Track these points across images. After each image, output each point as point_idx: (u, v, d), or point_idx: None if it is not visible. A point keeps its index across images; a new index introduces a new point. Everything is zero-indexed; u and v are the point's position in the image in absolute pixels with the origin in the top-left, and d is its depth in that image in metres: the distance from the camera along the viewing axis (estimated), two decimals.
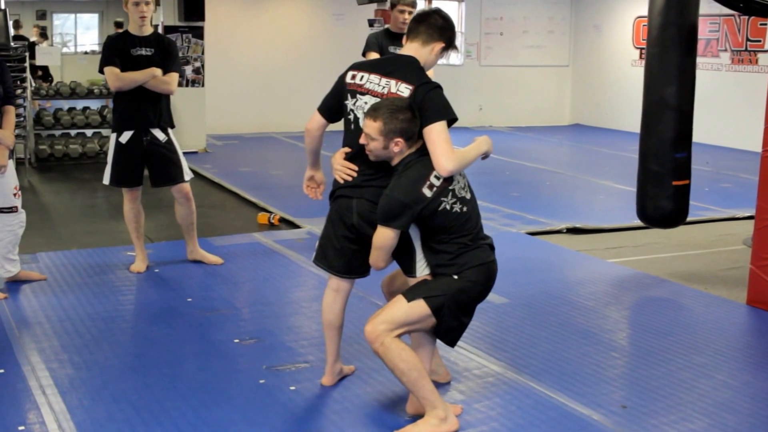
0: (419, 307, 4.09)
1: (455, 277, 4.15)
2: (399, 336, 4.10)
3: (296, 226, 8.50)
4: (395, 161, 4.22)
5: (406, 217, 4.07)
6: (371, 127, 4.14)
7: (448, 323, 4.17)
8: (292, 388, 4.67)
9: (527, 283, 6.68)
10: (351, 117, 4.40)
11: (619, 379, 4.99)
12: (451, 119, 4.21)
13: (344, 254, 4.48)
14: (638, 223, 7.75)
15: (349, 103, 4.40)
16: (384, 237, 4.12)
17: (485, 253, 4.24)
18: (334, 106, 4.50)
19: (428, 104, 4.17)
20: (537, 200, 10.05)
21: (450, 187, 4.15)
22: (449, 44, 4.41)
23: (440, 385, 4.66)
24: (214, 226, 8.49)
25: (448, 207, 4.12)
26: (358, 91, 4.36)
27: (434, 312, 4.11)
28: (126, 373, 4.93)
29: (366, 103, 4.31)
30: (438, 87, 4.28)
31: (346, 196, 4.41)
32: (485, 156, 4.40)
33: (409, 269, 4.34)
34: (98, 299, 6.16)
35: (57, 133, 12.82)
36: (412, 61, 4.34)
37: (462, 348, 5.27)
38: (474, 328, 5.64)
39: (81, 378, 4.81)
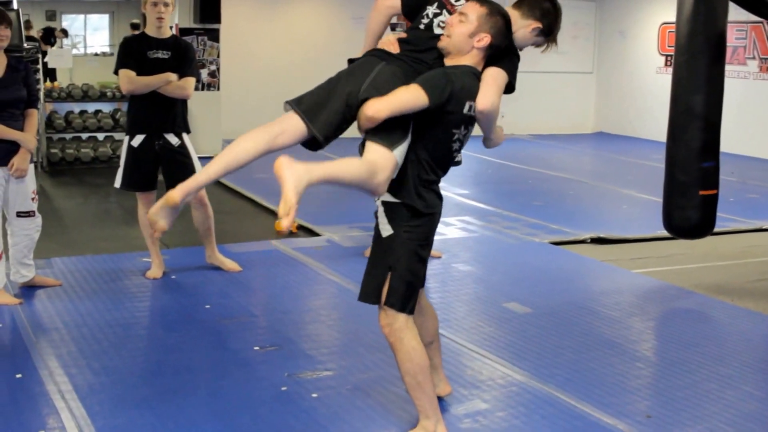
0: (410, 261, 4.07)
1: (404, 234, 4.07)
2: (410, 312, 4.13)
3: (315, 234, 8.61)
4: (457, 61, 4.06)
5: (441, 98, 3.89)
6: (473, 9, 4.02)
7: (394, 284, 4.08)
8: (314, 395, 4.78)
9: (550, 293, 6.78)
10: (425, 21, 4.24)
11: (644, 389, 5.08)
12: (511, 85, 4.18)
13: (330, 112, 4.01)
14: (663, 233, 7.84)
15: (431, 9, 4.24)
16: (413, 95, 3.86)
17: (436, 201, 4.16)
18: (414, 3, 4.33)
19: (503, 62, 4.15)
20: (560, 209, 10.13)
21: (468, 124, 4.12)
22: (547, 32, 4.29)
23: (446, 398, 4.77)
24: (231, 232, 8.61)
25: (456, 137, 4.08)
26: (447, 6, 4.23)
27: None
28: (146, 379, 5.05)
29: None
30: (518, 57, 4.23)
31: (377, 56, 4.17)
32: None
33: (389, 141, 3.94)
34: (115, 305, 6.28)
35: (68, 136, 12.95)
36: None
37: (485, 357, 5.37)
38: (497, 337, 5.75)
39: (100, 383, 4.93)
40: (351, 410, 4.63)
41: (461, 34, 4.02)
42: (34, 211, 6.43)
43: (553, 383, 5.03)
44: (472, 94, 4.04)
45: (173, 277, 7.02)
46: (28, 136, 6.29)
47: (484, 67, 4.12)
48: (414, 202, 4.05)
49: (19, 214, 6.37)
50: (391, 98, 3.86)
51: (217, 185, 11.01)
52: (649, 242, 8.67)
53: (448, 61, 4.09)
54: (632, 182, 12.09)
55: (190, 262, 7.37)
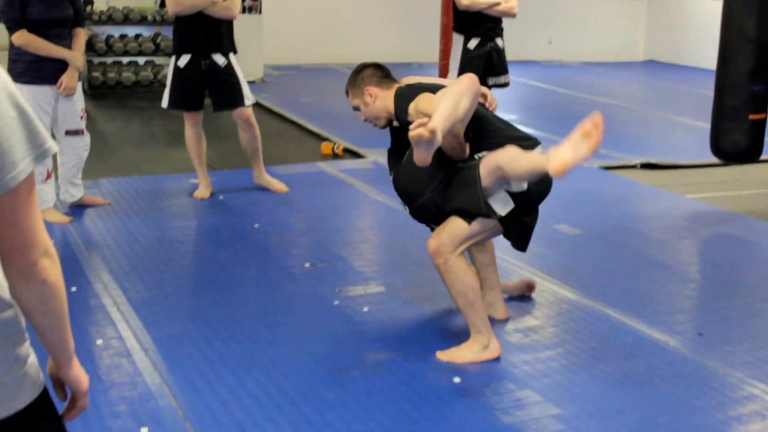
0: (481, 222, 4.31)
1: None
2: (463, 250, 4.34)
3: (360, 156, 8.74)
4: (387, 113, 4.61)
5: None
6: (350, 96, 4.78)
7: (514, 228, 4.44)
8: (366, 309, 4.95)
9: (600, 216, 6.89)
10: None
11: (695, 309, 5.22)
12: None
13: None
14: (716, 160, 7.91)
15: None
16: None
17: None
18: None
19: None
20: (610, 136, 9.91)
21: None
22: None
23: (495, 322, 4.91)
24: (276, 155, 8.73)
25: None
26: None
27: (499, 220, 4.35)
28: (198, 293, 5.25)
29: None
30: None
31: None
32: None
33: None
34: (163, 224, 6.47)
35: (108, 60, 13.08)
36: None
37: (535, 275, 5.50)
38: (546, 257, 5.88)
39: (153, 296, 5.12)
40: (401, 323, 4.79)
41: (366, 111, 4.70)
42: (82, 130, 6.59)
43: (603, 301, 5.16)
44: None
45: (221, 197, 7.18)
46: (76, 54, 6.43)
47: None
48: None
49: (68, 133, 6.53)
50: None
51: (260, 108, 11.14)
52: (701, 168, 8.73)
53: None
54: (686, 110, 12.07)
55: (237, 183, 7.53)
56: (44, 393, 1.97)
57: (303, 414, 3.84)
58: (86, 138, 6.66)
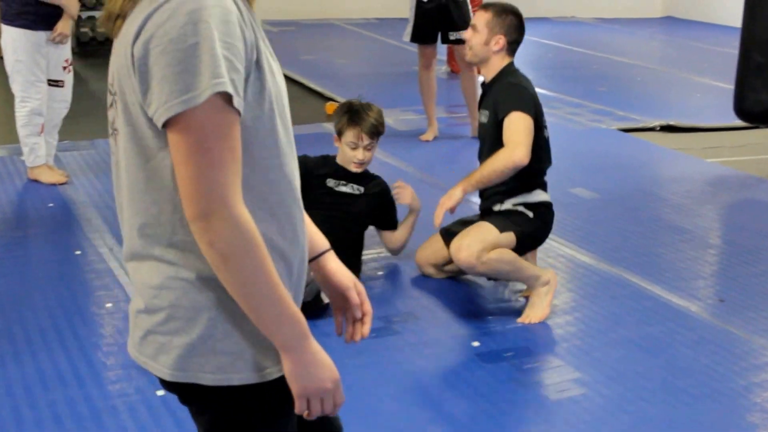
0: (509, 237, 4.65)
1: (531, 215, 4.78)
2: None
3: None
4: (486, 68, 4.91)
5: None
6: (480, 17, 4.83)
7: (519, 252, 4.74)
8: (379, 273, 5.18)
9: (617, 179, 7.07)
10: None
11: (716, 275, 5.43)
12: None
13: None
14: (739, 123, 8.06)
15: None
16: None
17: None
18: None
19: None
20: (627, 96, 10.32)
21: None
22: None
23: None
24: None
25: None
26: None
27: (518, 242, 4.69)
28: None
29: None
30: None
31: None
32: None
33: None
34: None
35: (98, 14, 13.16)
36: None
37: (550, 239, 5.69)
38: (562, 221, 6.03)
39: None
40: (419, 288, 5.01)
41: (478, 45, 4.87)
42: (63, 82, 6.73)
43: (621, 266, 5.37)
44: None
45: None
46: (72, 1, 6.59)
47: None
48: None
49: (50, 83, 6.67)
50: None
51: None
52: (722, 131, 8.87)
53: (483, 71, 4.97)
54: (706, 69, 12.18)
55: None
56: None
57: None
58: (67, 94, 6.78)
